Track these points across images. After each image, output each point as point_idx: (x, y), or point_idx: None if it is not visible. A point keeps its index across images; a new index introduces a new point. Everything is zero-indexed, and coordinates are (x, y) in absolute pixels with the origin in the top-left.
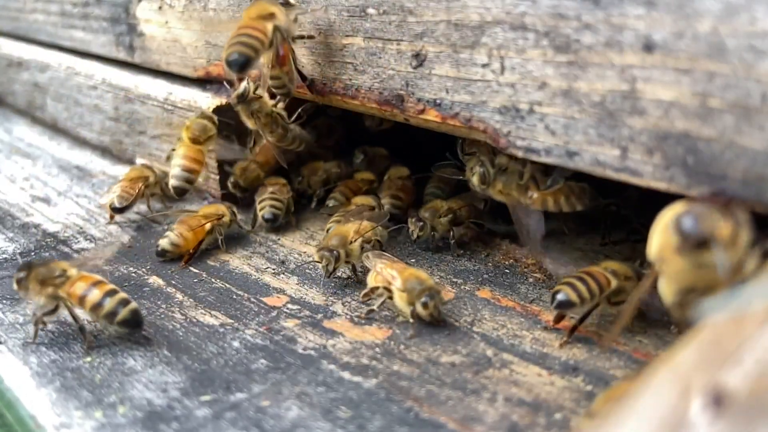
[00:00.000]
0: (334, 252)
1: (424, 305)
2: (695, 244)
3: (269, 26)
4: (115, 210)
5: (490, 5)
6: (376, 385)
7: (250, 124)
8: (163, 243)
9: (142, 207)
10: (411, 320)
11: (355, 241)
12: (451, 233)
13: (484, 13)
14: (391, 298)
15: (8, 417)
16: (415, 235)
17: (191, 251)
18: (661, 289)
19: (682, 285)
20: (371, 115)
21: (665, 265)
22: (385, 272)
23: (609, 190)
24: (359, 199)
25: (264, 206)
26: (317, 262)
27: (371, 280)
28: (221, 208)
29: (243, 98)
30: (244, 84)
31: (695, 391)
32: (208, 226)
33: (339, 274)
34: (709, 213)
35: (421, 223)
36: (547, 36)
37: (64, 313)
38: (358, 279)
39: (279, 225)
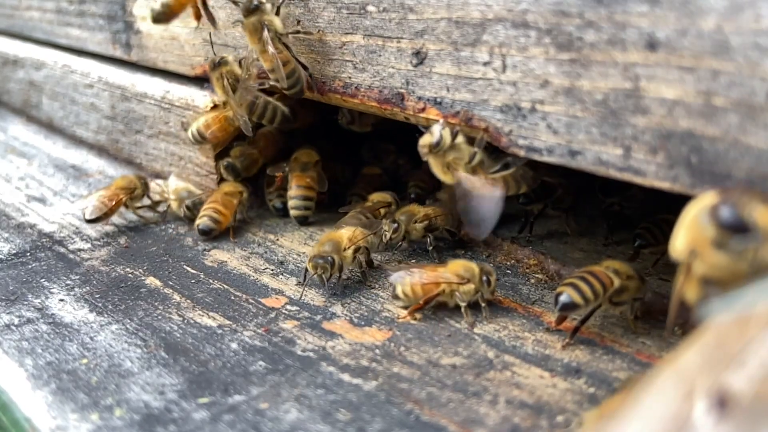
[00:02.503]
0: (329, 258)
1: (488, 283)
2: (736, 233)
3: (235, 201)
4: (86, 221)
5: (491, 2)
6: (376, 387)
7: (219, 90)
8: (206, 222)
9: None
10: (483, 304)
11: (348, 248)
12: (428, 240)
13: (486, 11)
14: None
15: (3, 420)
16: (387, 237)
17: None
18: (685, 286)
19: (714, 280)
20: (344, 113)
21: (698, 261)
22: (429, 277)
23: (612, 189)
24: (376, 196)
25: (272, 198)
26: (312, 272)
27: (411, 291)
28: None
29: (220, 64)
30: (223, 55)
31: (699, 393)
32: (235, 201)
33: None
34: (746, 200)
35: (395, 225)
36: (549, 34)
37: (59, 314)
38: (342, 286)
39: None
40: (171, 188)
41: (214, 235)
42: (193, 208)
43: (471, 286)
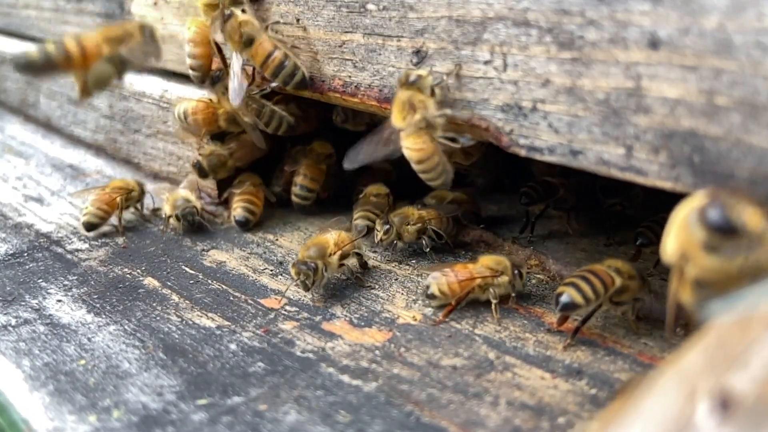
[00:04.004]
0: (311, 264)
1: (521, 275)
2: (725, 235)
3: (261, 192)
4: (87, 228)
5: (492, 1)
6: (376, 388)
7: (225, 104)
8: (243, 213)
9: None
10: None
11: (335, 253)
12: (424, 242)
13: (486, 9)
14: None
15: (0, 421)
16: (378, 238)
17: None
18: (680, 289)
19: (707, 283)
20: (338, 111)
21: (690, 265)
22: (464, 274)
23: (614, 189)
24: (373, 188)
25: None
26: (294, 277)
27: (448, 289)
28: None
29: (219, 79)
30: (218, 67)
31: (701, 394)
32: (261, 192)
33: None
34: (735, 201)
35: (387, 227)
36: (550, 32)
37: (56, 315)
38: (330, 294)
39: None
40: (170, 194)
41: (250, 226)
42: (183, 219)
43: (505, 278)
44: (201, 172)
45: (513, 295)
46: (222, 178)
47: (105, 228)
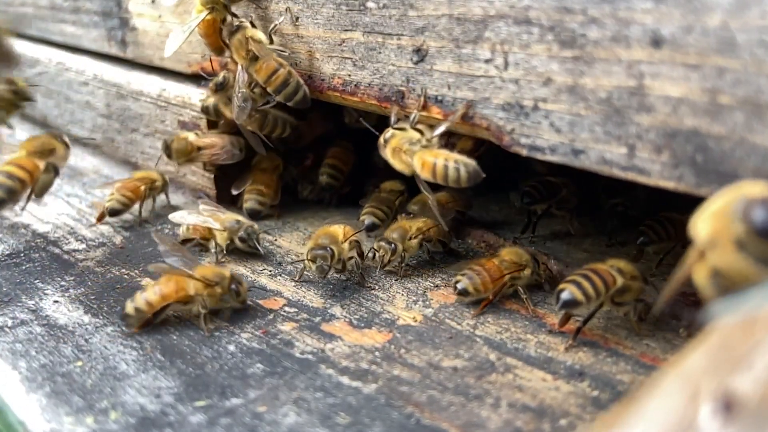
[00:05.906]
0: (328, 249)
1: (538, 263)
2: (765, 239)
3: (275, 177)
4: (111, 213)
5: None
6: (376, 390)
7: (228, 113)
8: (253, 205)
9: (134, 207)
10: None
11: (345, 241)
12: (428, 250)
13: (487, 7)
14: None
15: None
16: (386, 260)
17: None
18: (696, 267)
19: (727, 276)
20: (349, 112)
21: (715, 253)
22: (494, 271)
23: (616, 189)
24: (388, 184)
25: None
26: (310, 262)
27: (482, 286)
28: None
29: (222, 86)
30: (223, 74)
31: (704, 396)
32: (275, 177)
33: (336, 275)
34: None
35: (393, 246)
36: (552, 30)
37: (53, 316)
38: (342, 287)
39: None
40: (213, 219)
41: (262, 216)
42: (248, 239)
43: (529, 270)
44: (167, 150)
45: (547, 287)
46: (181, 164)
47: (103, 228)
